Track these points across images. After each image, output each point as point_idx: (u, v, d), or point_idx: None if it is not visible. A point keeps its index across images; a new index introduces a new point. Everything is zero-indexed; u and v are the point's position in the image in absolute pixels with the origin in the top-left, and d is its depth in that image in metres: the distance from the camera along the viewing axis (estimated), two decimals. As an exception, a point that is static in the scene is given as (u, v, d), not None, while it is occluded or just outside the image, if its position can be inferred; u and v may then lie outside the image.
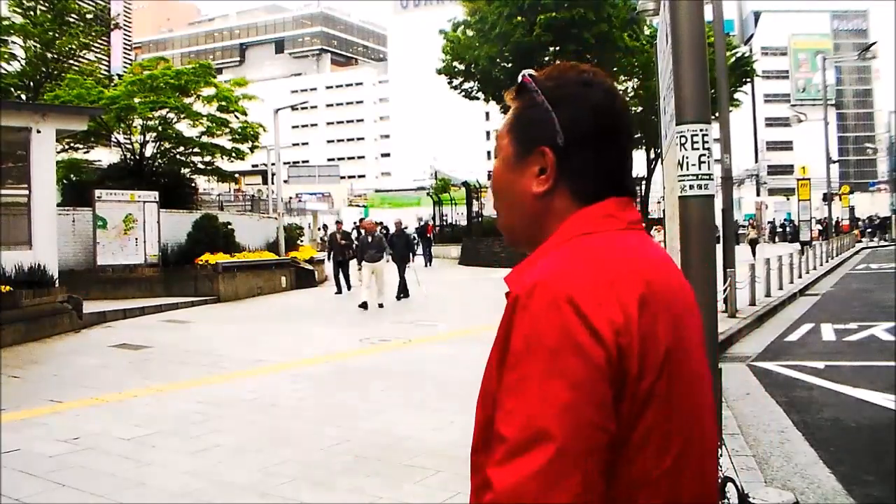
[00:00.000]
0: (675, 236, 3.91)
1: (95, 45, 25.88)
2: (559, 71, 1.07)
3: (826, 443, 5.07)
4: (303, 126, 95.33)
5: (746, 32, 27.58)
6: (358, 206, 62.44)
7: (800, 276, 17.82)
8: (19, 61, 20.24)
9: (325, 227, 41.22)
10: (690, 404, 0.99)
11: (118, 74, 28.13)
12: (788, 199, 53.65)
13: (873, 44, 37.43)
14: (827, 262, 23.62)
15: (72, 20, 20.67)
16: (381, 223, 19.19)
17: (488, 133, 73.89)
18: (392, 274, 15.30)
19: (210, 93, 19.85)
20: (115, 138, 19.76)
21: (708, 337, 3.28)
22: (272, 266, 18.49)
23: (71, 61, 21.83)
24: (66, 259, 14.32)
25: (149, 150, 19.74)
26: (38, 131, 11.78)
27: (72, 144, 19.39)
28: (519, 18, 24.66)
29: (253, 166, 37.50)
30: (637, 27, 26.51)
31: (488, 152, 72.45)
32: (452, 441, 4.97)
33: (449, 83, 29.59)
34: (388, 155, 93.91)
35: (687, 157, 3.31)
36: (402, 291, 15.63)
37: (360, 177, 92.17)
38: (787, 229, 46.22)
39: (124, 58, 59.25)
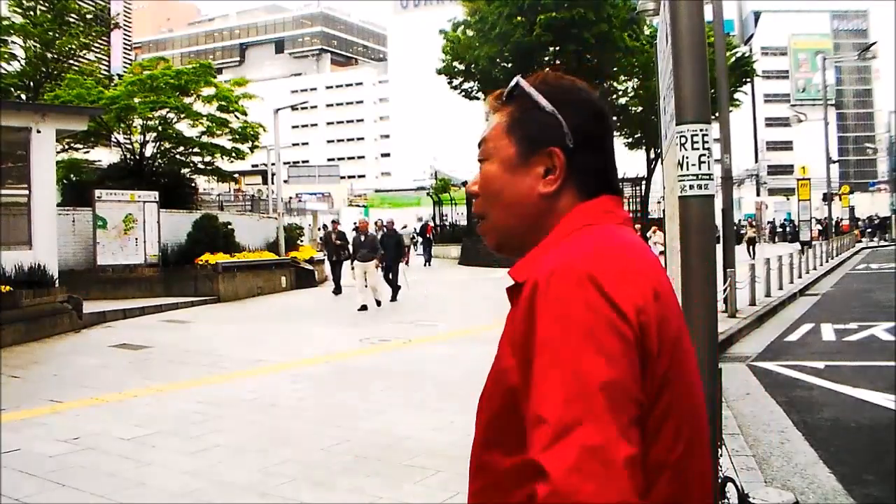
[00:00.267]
0: (675, 236, 3.91)
1: (95, 45, 25.86)
2: (554, 78, 1.11)
3: (826, 443, 5.07)
4: (303, 126, 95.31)
5: (746, 32, 27.61)
6: (358, 206, 62.42)
7: (800, 276, 17.82)
8: (19, 61, 20.24)
9: (324, 227, 41.14)
10: (692, 399, 1.01)
11: (118, 74, 28.12)
12: (788, 199, 53.70)
13: (873, 44, 37.45)
14: (827, 262, 23.61)
15: (72, 20, 20.67)
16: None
17: (488, 133, 73.54)
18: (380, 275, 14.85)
19: (210, 93, 19.85)
20: (115, 138, 19.76)
21: (708, 337, 3.30)
22: (272, 266, 18.49)
23: (71, 61, 21.83)
24: (66, 259, 14.32)
25: (149, 150, 19.74)
26: (38, 131, 11.78)
27: (72, 144, 19.39)
28: (519, 18, 24.66)
29: (253, 166, 37.50)
30: (637, 27, 26.52)
31: (488, 152, 72.03)
32: (452, 441, 4.97)
33: (449, 83, 29.60)
34: (388, 155, 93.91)
35: (687, 157, 3.31)
36: (393, 293, 15.39)
37: (360, 177, 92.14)
38: (787, 229, 46.24)
39: (124, 58, 59.23)
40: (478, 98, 30.02)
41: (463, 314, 12.95)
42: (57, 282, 11.68)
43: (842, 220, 42.18)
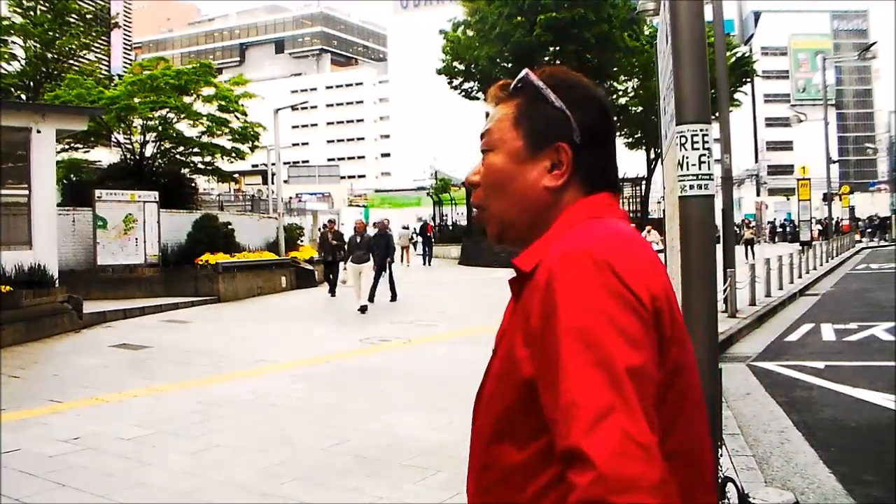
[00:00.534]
0: (675, 236, 3.91)
1: (95, 45, 25.88)
2: (560, 73, 1.10)
3: (826, 443, 5.07)
4: (303, 126, 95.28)
5: (746, 32, 27.60)
6: (358, 206, 62.36)
7: (800, 277, 17.82)
8: (19, 61, 20.26)
9: (323, 226, 41.11)
10: (696, 394, 1.02)
11: (118, 74, 28.16)
12: (788, 199, 53.70)
13: (873, 44, 37.38)
14: (827, 262, 23.61)
15: (72, 20, 20.69)
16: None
17: (488, 133, 73.55)
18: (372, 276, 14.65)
19: (210, 93, 19.85)
20: (115, 138, 19.77)
21: (708, 337, 3.30)
22: (272, 266, 18.49)
23: (71, 61, 21.85)
24: (66, 259, 14.32)
25: (149, 150, 19.75)
26: (38, 131, 11.78)
27: (72, 144, 19.40)
28: (519, 18, 24.67)
29: (253, 166, 37.51)
30: (637, 27, 26.53)
31: (488, 152, 72.05)
32: (452, 441, 4.96)
33: (449, 83, 29.59)
34: (388, 155, 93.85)
35: (687, 157, 3.31)
36: (392, 294, 15.29)
37: (360, 177, 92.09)
38: (787, 229, 46.24)
39: (124, 58, 59.26)
40: (478, 98, 30.00)
41: (463, 314, 12.95)
42: (57, 282, 11.68)
43: (842, 220, 42.16)
